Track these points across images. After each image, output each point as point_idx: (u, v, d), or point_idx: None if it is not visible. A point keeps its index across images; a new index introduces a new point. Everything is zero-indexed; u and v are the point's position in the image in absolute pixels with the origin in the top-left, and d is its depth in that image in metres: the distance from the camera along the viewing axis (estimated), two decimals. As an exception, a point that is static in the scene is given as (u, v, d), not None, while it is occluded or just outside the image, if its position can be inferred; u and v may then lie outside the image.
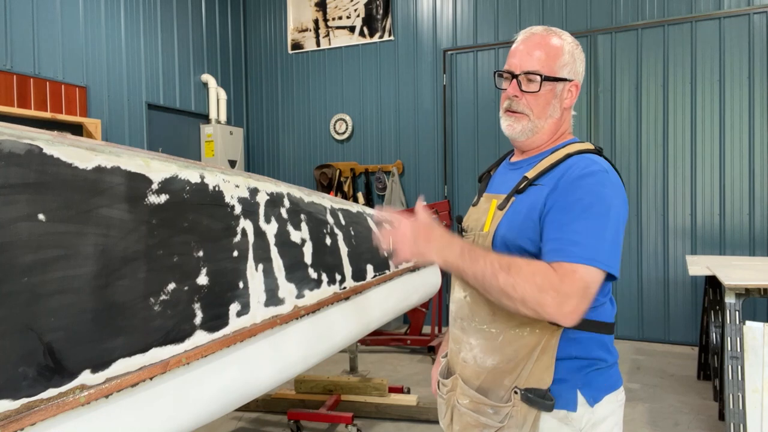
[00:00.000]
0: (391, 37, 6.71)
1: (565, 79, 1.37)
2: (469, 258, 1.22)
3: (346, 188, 6.83)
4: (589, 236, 1.19)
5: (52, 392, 1.10)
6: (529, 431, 1.26)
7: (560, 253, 1.19)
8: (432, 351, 5.17)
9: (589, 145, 1.37)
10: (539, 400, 1.25)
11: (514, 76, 1.38)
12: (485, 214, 1.41)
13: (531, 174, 1.34)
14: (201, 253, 1.51)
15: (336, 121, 7.01)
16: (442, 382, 1.50)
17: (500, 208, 1.37)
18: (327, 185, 6.92)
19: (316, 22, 7.15)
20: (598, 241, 1.20)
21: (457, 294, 1.44)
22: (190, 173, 1.52)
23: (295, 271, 1.92)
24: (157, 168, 1.41)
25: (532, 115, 1.38)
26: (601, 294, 1.29)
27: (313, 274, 2.03)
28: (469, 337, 1.37)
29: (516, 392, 1.27)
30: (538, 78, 1.35)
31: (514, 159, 1.50)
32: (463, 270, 1.23)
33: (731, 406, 2.97)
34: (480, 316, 1.35)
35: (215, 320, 1.53)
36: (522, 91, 1.37)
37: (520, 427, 1.26)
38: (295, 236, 1.97)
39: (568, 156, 1.32)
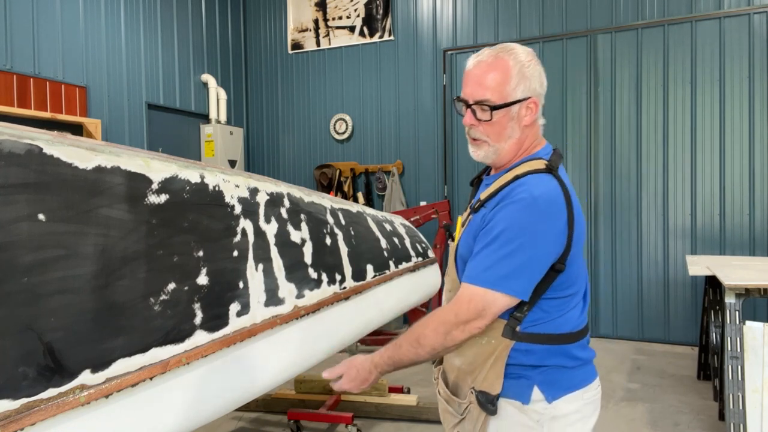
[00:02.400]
0: (391, 37, 6.71)
1: (518, 101, 1.38)
2: (395, 357, 1.40)
3: (346, 188, 6.83)
4: (493, 262, 1.30)
5: (52, 392, 1.10)
6: (480, 427, 1.38)
7: (467, 276, 1.34)
8: (432, 351, 5.16)
9: (538, 164, 1.39)
10: (486, 404, 1.36)
11: (468, 105, 1.41)
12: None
13: (484, 195, 1.43)
14: (201, 253, 1.51)
15: (336, 121, 7.01)
16: (434, 369, 1.65)
17: (463, 224, 1.48)
18: (327, 185, 6.92)
19: (316, 22, 7.15)
20: (502, 266, 1.29)
21: (444, 296, 1.59)
22: (190, 173, 1.52)
23: (295, 271, 1.92)
24: (157, 168, 1.41)
25: (491, 141, 1.42)
26: (557, 310, 1.38)
27: (313, 274, 2.03)
28: None
29: (472, 392, 1.39)
30: (488, 108, 1.37)
31: (492, 172, 1.54)
32: (399, 366, 1.42)
33: (731, 406, 2.97)
34: None
35: (215, 320, 1.53)
36: (477, 119, 1.40)
37: (474, 422, 1.39)
38: (295, 236, 1.97)
39: (516, 177, 1.37)
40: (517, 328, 1.35)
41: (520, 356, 1.36)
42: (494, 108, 1.37)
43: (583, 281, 1.44)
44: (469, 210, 1.55)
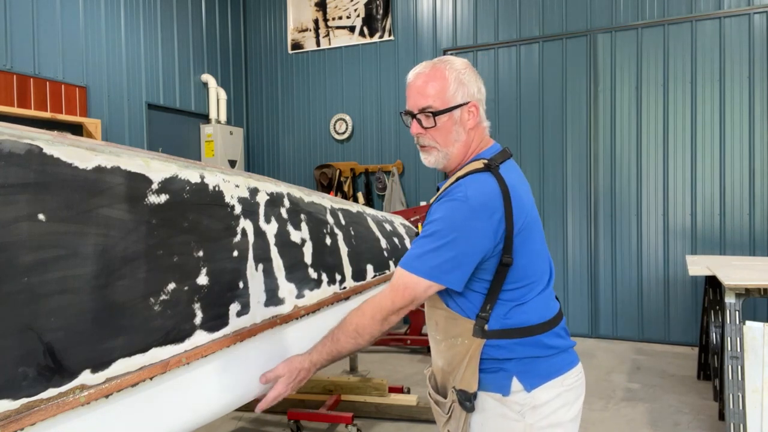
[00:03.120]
0: (391, 37, 6.71)
1: (459, 105, 1.49)
2: (334, 352, 1.50)
3: (346, 188, 6.83)
4: (425, 253, 1.39)
5: (52, 392, 1.10)
6: (462, 424, 1.45)
7: (402, 261, 1.43)
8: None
9: (477, 165, 1.47)
10: (464, 402, 1.43)
11: (413, 115, 1.51)
12: None
13: (432, 199, 1.51)
14: (201, 253, 1.51)
15: (336, 121, 7.01)
16: (426, 371, 1.70)
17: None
18: (327, 185, 6.92)
19: (316, 22, 7.14)
20: (432, 256, 1.38)
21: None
22: (190, 173, 1.52)
23: (295, 271, 1.92)
24: (157, 168, 1.41)
25: (440, 146, 1.51)
26: (517, 301, 1.43)
27: (313, 274, 2.03)
28: (431, 340, 1.59)
29: (453, 391, 1.46)
30: (431, 114, 1.47)
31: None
32: (337, 359, 1.53)
33: (731, 406, 2.97)
34: (430, 325, 1.57)
35: (215, 320, 1.53)
36: (424, 128, 1.50)
37: (458, 420, 1.46)
38: (295, 236, 1.97)
39: (458, 179, 1.45)
40: (486, 327, 1.42)
41: (492, 351, 1.42)
42: (436, 113, 1.47)
43: (541, 270, 1.49)
44: None
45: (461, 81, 1.49)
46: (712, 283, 4.11)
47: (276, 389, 1.51)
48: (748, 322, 2.92)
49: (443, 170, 1.59)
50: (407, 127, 1.55)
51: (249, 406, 3.79)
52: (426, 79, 1.49)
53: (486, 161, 1.46)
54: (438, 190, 1.73)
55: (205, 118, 6.86)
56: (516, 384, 1.41)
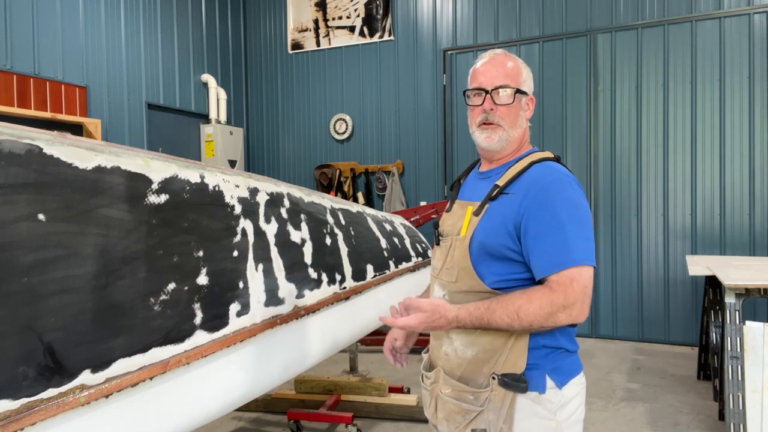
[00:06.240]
0: (391, 37, 6.71)
1: (526, 93, 1.55)
2: (484, 320, 1.36)
3: (346, 188, 6.83)
4: (575, 240, 1.38)
5: (52, 392, 1.10)
6: (506, 412, 1.40)
7: (556, 263, 1.36)
8: (432, 351, 5.15)
9: (548, 154, 1.54)
10: (514, 383, 1.39)
11: (486, 92, 1.52)
12: (461, 219, 1.55)
13: (501, 182, 1.50)
14: (201, 253, 1.51)
15: (336, 121, 7.01)
16: (425, 374, 1.63)
17: (476, 214, 1.50)
18: (327, 185, 6.92)
19: (316, 22, 7.14)
20: (583, 242, 1.39)
21: (436, 293, 1.56)
22: (190, 173, 1.52)
23: (295, 271, 1.92)
24: (157, 168, 1.42)
25: (506, 125, 1.52)
26: None
27: (313, 274, 2.03)
28: (449, 332, 1.50)
29: (494, 378, 1.41)
30: (510, 90, 1.51)
31: (482, 169, 1.63)
32: (480, 328, 1.39)
33: (731, 406, 2.97)
34: None
35: (215, 320, 1.53)
36: (497, 104, 1.52)
37: (498, 410, 1.41)
38: (295, 236, 1.98)
39: (532, 163, 1.49)
40: None
41: (536, 336, 1.41)
42: (516, 91, 1.51)
43: None
44: (452, 203, 1.65)
45: (529, 73, 1.58)
46: (712, 283, 4.11)
47: (409, 319, 1.38)
48: (748, 322, 2.92)
49: (491, 156, 1.58)
50: (469, 105, 1.57)
51: (249, 406, 3.82)
52: (503, 60, 1.55)
53: (554, 154, 1.54)
54: (454, 185, 1.72)
55: (205, 118, 6.86)
56: (549, 381, 1.42)
